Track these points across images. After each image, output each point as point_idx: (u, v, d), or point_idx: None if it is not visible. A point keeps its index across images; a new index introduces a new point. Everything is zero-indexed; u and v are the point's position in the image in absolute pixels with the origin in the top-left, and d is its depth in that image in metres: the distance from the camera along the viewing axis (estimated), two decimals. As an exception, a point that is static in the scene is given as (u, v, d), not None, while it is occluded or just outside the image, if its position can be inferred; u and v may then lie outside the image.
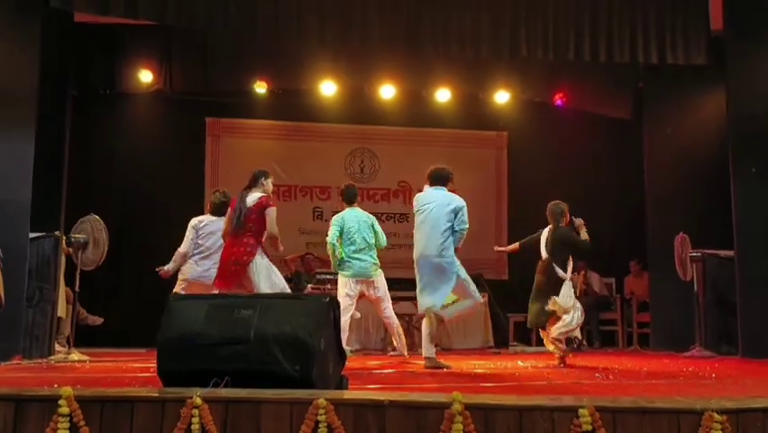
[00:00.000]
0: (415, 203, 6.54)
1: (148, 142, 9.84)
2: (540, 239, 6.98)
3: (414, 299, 9.68)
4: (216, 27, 8.13)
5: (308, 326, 3.23)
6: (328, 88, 10.27)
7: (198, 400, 2.92)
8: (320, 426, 2.87)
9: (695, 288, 8.40)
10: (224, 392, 2.99)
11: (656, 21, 8.60)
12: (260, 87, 10.20)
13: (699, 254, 8.42)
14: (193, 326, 3.29)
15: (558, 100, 10.93)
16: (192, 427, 2.89)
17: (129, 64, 9.10)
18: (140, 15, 7.37)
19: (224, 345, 3.22)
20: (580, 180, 10.66)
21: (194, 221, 7.03)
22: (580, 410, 2.83)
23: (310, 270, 9.51)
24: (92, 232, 7.31)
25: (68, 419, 2.96)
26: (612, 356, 7.91)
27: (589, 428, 2.82)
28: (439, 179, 6.55)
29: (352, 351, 8.63)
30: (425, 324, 6.32)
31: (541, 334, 7.01)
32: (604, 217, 10.68)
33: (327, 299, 3.37)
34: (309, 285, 8.88)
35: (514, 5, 8.55)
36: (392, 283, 9.86)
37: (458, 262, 6.29)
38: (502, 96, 10.75)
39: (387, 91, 10.44)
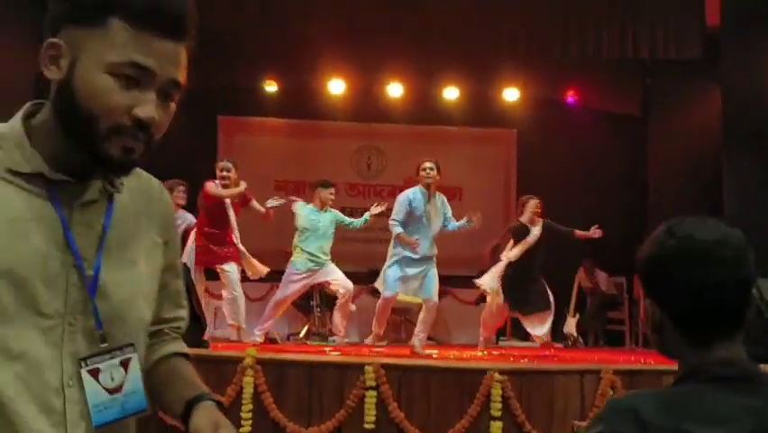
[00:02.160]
0: None
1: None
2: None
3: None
4: (224, 25, 8.48)
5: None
6: (336, 87, 10.53)
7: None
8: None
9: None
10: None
11: (650, 16, 8.53)
12: (270, 86, 10.55)
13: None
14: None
15: (569, 97, 10.89)
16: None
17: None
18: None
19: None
20: (589, 177, 10.57)
21: None
22: (366, 367, 2.95)
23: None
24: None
25: None
26: (599, 353, 7.82)
27: (373, 383, 2.93)
28: None
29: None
30: None
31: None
32: (612, 215, 10.55)
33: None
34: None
35: (519, 5, 8.61)
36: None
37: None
38: (511, 94, 10.77)
39: (394, 89, 10.62)
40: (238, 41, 9.79)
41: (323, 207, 7.43)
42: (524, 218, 7.52)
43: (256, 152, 10.73)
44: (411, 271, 6.49)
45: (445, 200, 6.94)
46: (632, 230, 10.73)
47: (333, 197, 7.50)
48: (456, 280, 10.52)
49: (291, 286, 7.34)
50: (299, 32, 9.14)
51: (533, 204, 7.52)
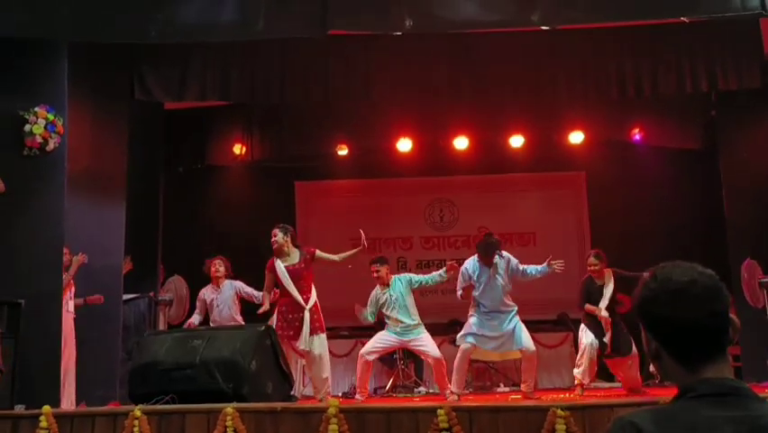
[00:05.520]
0: None
1: (239, 208, 10.89)
2: None
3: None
4: (287, 102, 9.05)
5: (242, 350, 3.82)
6: (404, 145, 10.92)
7: (138, 413, 3.59)
8: (228, 430, 3.44)
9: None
10: (159, 407, 3.65)
11: (706, 49, 8.62)
12: (342, 150, 11.03)
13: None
14: (155, 356, 3.98)
15: (635, 136, 10.96)
16: (134, 431, 3.57)
17: (216, 140, 10.23)
18: (208, 97, 8.42)
19: (176, 370, 3.87)
20: (662, 214, 10.60)
21: None
22: (438, 411, 3.21)
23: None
24: (176, 290, 8.28)
25: (47, 431, 3.72)
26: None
27: (446, 425, 3.18)
28: None
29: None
30: None
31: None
32: (690, 250, 10.49)
33: (262, 328, 3.95)
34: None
35: (572, 49, 8.81)
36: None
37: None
38: (576, 137, 10.92)
39: (460, 142, 10.92)
40: (307, 113, 10.34)
41: (383, 286, 7.45)
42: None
43: (331, 214, 11.20)
44: (491, 325, 6.81)
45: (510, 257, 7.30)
46: (712, 263, 10.65)
47: (376, 274, 7.47)
48: (537, 325, 10.63)
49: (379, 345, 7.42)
50: (363, 98, 9.53)
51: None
